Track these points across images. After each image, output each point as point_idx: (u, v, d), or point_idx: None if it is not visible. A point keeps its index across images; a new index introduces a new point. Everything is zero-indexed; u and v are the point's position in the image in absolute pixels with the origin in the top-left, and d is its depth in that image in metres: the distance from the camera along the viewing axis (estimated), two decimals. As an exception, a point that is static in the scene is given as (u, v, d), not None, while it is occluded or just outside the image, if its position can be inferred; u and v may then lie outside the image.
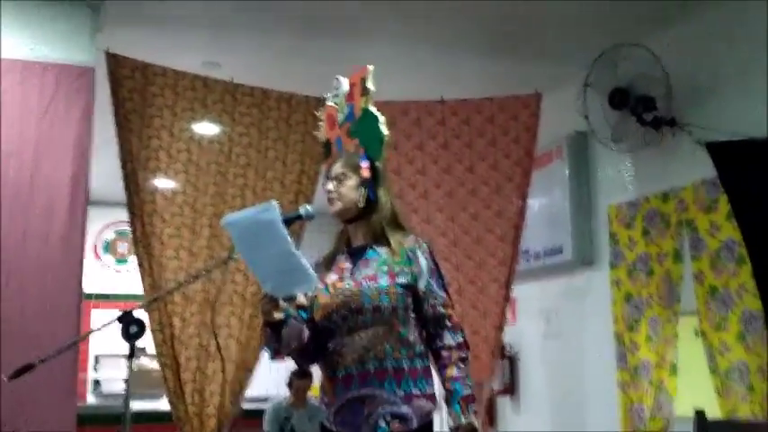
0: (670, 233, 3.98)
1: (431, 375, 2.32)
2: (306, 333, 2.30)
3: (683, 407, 3.85)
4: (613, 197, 4.50)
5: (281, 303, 2.18)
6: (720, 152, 3.53)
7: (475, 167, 4.59)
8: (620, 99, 4.04)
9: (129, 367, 2.03)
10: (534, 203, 4.96)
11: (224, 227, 2.09)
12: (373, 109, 2.42)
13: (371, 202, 2.37)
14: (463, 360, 2.29)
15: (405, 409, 2.22)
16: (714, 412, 3.47)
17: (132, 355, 2.05)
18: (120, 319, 2.03)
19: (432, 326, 2.32)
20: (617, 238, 4.34)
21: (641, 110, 3.99)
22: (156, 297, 2.44)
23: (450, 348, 2.29)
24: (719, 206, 3.68)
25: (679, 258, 3.94)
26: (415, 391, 2.24)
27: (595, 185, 4.79)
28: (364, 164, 2.38)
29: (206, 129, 4.22)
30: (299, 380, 5.07)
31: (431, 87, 4.56)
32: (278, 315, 2.19)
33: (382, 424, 2.20)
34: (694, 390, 3.85)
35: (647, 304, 4.08)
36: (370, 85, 2.42)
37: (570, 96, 4.34)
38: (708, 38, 3.93)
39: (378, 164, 2.41)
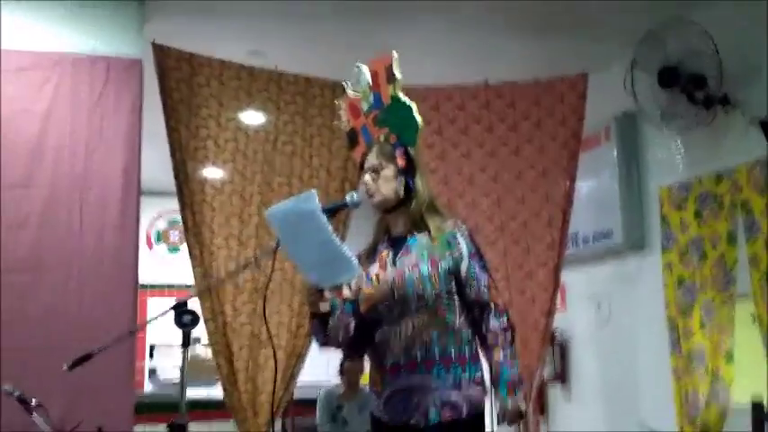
0: (723, 215, 3.88)
1: (479, 360, 2.32)
2: (352, 324, 2.32)
3: (741, 395, 3.77)
4: (664, 179, 4.41)
5: (327, 294, 2.20)
6: (775, 131, 3.44)
7: (521, 151, 4.54)
8: (669, 77, 3.94)
9: (184, 356, 2.07)
10: (582, 186, 4.88)
11: (267, 219, 2.11)
12: (404, 97, 2.41)
13: (409, 191, 2.37)
14: (509, 343, 2.29)
15: (455, 396, 2.22)
16: (772, 397, 3.39)
17: (186, 343, 2.09)
18: (173, 309, 2.07)
19: (476, 309, 2.32)
20: (668, 221, 4.25)
21: (692, 88, 3.89)
22: (207, 288, 2.49)
23: (495, 332, 2.29)
24: (775, 187, 3.58)
25: (733, 241, 3.84)
26: (465, 377, 2.25)
27: (645, 167, 4.69)
28: (399, 152, 2.38)
29: (252, 118, 4.26)
30: (350, 364, 5.07)
31: (475, 70, 4.52)
32: (324, 306, 2.21)
33: (433, 412, 2.21)
34: (751, 377, 3.75)
35: (700, 289, 3.99)
36: (397, 72, 2.40)
37: (617, 76, 4.26)
38: (759, 12, 3.80)
39: (411, 151, 2.41)
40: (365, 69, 2.50)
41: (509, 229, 4.50)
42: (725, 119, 3.92)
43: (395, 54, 2.42)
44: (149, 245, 8.24)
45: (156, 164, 4.53)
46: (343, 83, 2.59)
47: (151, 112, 3.92)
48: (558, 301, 4.75)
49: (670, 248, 4.21)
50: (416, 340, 2.24)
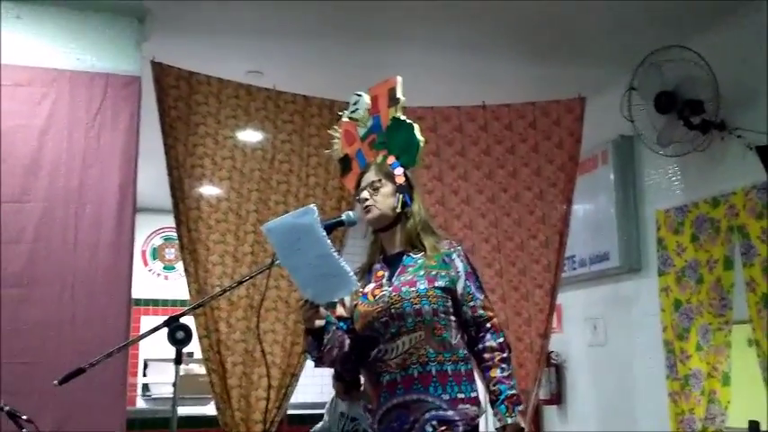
0: (720, 239, 3.88)
1: (474, 379, 2.31)
2: (347, 342, 2.31)
3: (737, 418, 3.75)
4: (660, 202, 4.42)
5: (322, 311, 2.19)
6: (771, 156, 3.45)
7: (518, 173, 4.55)
8: (666, 102, 3.96)
9: (177, 372, 2.06)
10: (579, 209, 4.90)
11: (264, 233, 2.11)
12: (405, 118, 2.43)
13: (405, 209, 2.37)
14: (506, 360, 2.29)
15: (451, 413, 2.21)
16: (768, 423, 3.38)
17: (179, 359, 2.07)
18: (166, 324, 2.05)
19: (472, 328, 2.33)
20: (665, 245, 4.25)
21: (688, 113, 3.91)
22: (200, 303, 2.48)
23: (492, 350, 2.29)
24: (772, 211, 3.59)
25: (730, 265, 3.84)
26: (461, 396, 2.23)
27: (642, 190, 4.70)
28: (398, 171, 2.40)
29: (249, 136, 4.27)
30: (336, 382, 4.93)
31: (472, 93, 4.54)
32: (319, 322, 2.20)
33: (429, 429, 2.20)
34: (748, 401, 3.74)
35: (696, 312, 3.98)
36: (400, 95, 2.41)
37: (615, 100, 4.28)
38: (756, 39, 3.83)
39: (408, 172, 2.43)
40: (365, 96, 2.52)
41: (505, 251, 4.50)
42: (721, 144, 3.93)
43: (399, 78, 2.44)
44: (144, 262, 8.23)
45: (153, 181, 4.53)
46: (339, 112, 2.61)
47: (148, 130, 3.93)
48: (555, 322, 4.74)
49: (667, 272, 4.21)
50: (413, 357, 2.23)
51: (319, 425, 4.86)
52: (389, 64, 2.58)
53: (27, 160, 3.60)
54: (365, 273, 2.42)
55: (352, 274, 2.10)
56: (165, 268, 8.37)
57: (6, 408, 3.08)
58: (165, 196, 4.06)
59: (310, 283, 2.11)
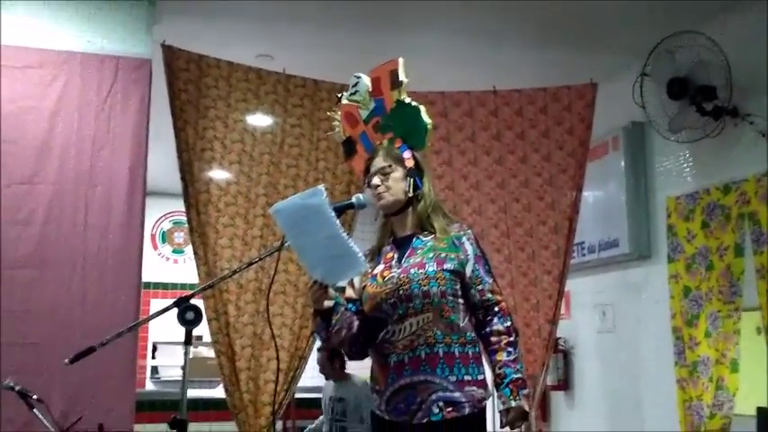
0: (731, 226, 3.86)
1: (482, 362, 2.32)
2: (356, 323, 2.32)
3: (745, 405, 3.75)
4: (671, 189, 4.39)
5: (331, 291, 2.20)
6: (785, 142, 3.42)
7: (528, 158, 4.54)
8: (679, 88, 3.93)
9: (186, 353, 2.06)
10: (589, 195, 4.88)
11: (273, 214, 2.11)
12: (411, 100, 2.41)
13: (416, 192, 2.37)
14: (512, 344, 2.30)
15: (458, 395, 2.22)
16: (776, 410, 3.37)
17: (189, 340, 2.08)
18: (176, 305, 2.06)
19: (480, 311, 2.33)
20: (675, 231, 4.23)
21: (701, 99, 3.88)
22: (210, 284, 2.49)
23: (499, 333, 2.30)
24: (783, 199, 3.57)
25: (740, 252, 3.82)
26: (467, 378, 2.24)
27: (652, 177, 4.67)
28: (407, 154, 2.39)
29: (259, 120, 4.26)
30: (320, 354, 4.77)
31: (483, 78, 4.52)
32: (327, 303, 2.21)
33: (435, 410, 2.21)
34: (756, 387, 3.73)
35: (706, 299, 3.97)
36: (402, 77, 2.40)
37: (626, 86, 4.25)
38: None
39: (417, 154, 2.41)
40: (364, 77, 2.49)
41: (515, 236, 4.49)
42: (733, 130, 3.91)
43: (401, 59, 2.42)
44: (154, 245, 8.26)
45: (162, 165, 4.54)
46: (338, 94, 2.59)
47: (158, 113, 3.93)
48: (563, 308, 4.74)
49: (676, 259, 4.19)
50: (421, 338, 2.24)
51: (313, 424, 4.85)
52: (400, 48, 2.55)
53: (38, 142, 3.61)
54: (375, 255, 2.42)
55: (360, 254, 2.10)
56: (174, 252, 8.40)
57: (17, 387, 3.11)
58: (175, 180, 4.07)
59: (319, 263, 2.11)
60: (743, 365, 3.84)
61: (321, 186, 2.04)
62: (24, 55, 3.66)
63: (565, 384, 5.32)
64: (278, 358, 3.37)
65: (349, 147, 2.61)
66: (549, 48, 4.54)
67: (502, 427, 2.27)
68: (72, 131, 3.66)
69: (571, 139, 4.51)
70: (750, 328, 3.86)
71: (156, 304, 7.64)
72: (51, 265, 3.55)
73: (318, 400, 5.95)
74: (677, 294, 4.17)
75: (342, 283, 2.31)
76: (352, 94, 2.53)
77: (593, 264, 5.03)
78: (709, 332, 3.93)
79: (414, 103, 2.42)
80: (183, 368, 2.08)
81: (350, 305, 2.35)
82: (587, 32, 4.38)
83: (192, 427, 2.21)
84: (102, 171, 3.69)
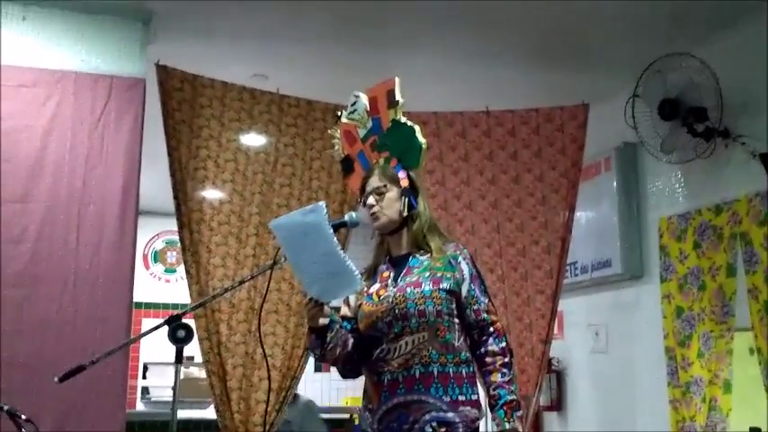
0: (723, 246, 3.88)
1: (476, 382, 2.31)
2: (351, 341, 2.32)
3: (738, 426, 3.74)
4: (663, 210, 4.41)
5: (326, 309, 2.20)
6: (775, 163, 3.45)
7: (520, 178, 4.55)
8: (670, 109, 3.96)
9: (177, 371, 2.05)
10: (582, 216, 4.89)
11: (272, 229, 2.11)
12: (406, 120, 2.43)
13: (411, 211, 2.37)
14: (507, 365, 2.29)
15: (451, 415, 2.21)
16: (769, 431, 3.36)
17: (180, 359, 2.07)
18: (167, 323, 2.05)
19: (476, 331, 2.33)
20: (667, 251, 4.24)
21: (692, 120, 3.91)
22: (201, 303, 2.48)
23: (494, 354, 2.29)
24: (774, 219, 3.59)
25: (732, 272, 3.84)
26: (461, 398, 2.24)
27: (644, 198, 4.69)
28: (401, 174, 2.40)
29: (252, 139, 4.27)
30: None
31: (476, 98, 4.55)
32: (323, 320, 2.21)
33: (429, 430, 2.20)
34: (749, 408, 3.73)
35: (698, 319, 3.98)
36: (399, 96, 2.41)
37: (618, 107, 4.28)
38: (759, 47, 3.84)
39: (412, 173, 2.42)
40: (362, 96, 2.51)
41: (507, 256, 4.50)
42: (724, 151, 3.93)
43: (397, 79, 2.44)
44: (146, 265, 8.23)
45: (155, 184, 4.53)
46: (337, 112, 2.61)
47: (151, 133, 3.93)
48: (556, 329, 4.73)
49: (669, 279, 4.20)
50: (416, 357, 2.24)
51: None
52: (394, 69, 2.58)
53: (30, 161, 3.61)
54: (371, 273, 2.43)
55: (357, 272, 2.11)
56: (166, 271, 8.37)
57: (6, 407, 3.08)
58: (168, 199, 4.07)
59: (315, 281, 2.12)
60: (736, 386, 3.84)
61: (322, 203, 2.05)
62: (18, 74, 3.66)
63: (558, 405, 5.30)
64: (269, 377, 3.35)
65: (347, 165, 2.62)
66: (541, 68, 4.57)
67: None
68: (65, 150, 3.67)
69: (563, 159, 4.53)
70: (743, 348, 3.86)
71: (148, 324, 7.58)
72: (43, 283, 3.53)
73: (310, 420, 5.92)
74: (670, 314, 4.18)
75: (337, 302, 2.31)
76: (350, 112, 2.54)
77: (586, 284, 5.03)
78: (702, 352, 3.94)
79: (409, 123, 2.43)
80: (174, 386, 2.07)
81: (345, 324, 2.35)
82: (579, 53, 4.42)
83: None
84: (94, 190, 3.68)
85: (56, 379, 2.04)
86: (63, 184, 3.64)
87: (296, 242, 2.07)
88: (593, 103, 4.52)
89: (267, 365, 2.66)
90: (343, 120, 2.58)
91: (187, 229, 4.03)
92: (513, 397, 2.25)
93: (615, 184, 4.76)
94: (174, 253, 8.22)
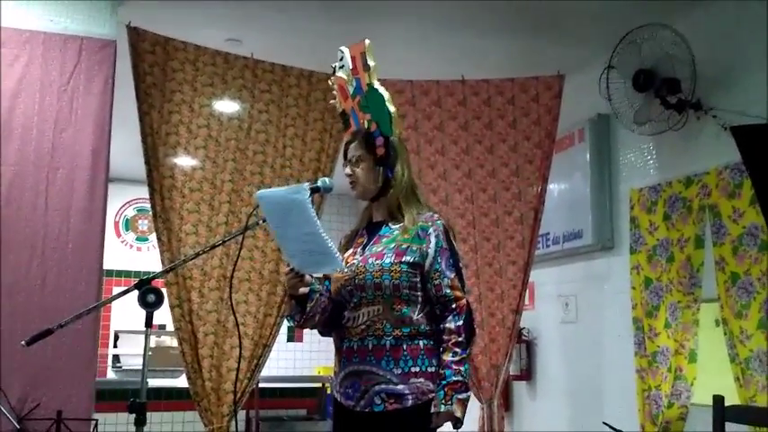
0: (692, 218, 3.92)
1: (436, 354, 2.28)
2: (329, 306, 2.34)
3: (702, 395, 3.81)
4: (635, 181, 4.45)
5: (307, 278, 2.22)
6: (745, 136, 3.45)
7: (495, 149, 4.56)
8: (644, 80, 3.97)
9: (147, 335, 2.04)
10: (554, 187, 4.92)
11: (257, 198, 2.13)
12: (378, 86, 2.40)
13: (389, 180, 2.36)
14: (460, 345, 2.24)
15: (401, 387, 2.22)
16: (733, 401, 3.42)
17: (150, 323, 2.05)
18: (137, 287, 2.03)
19: (437, 306, 2.31)
20: (637, 223, 4.28)
21: (666, 92, 3.93)
22: (171, 267, 2.45)
23: (450, 332, 2.26)
24: (743, 192, 3.62)
25: (700, 244, 3.88)
26: (415, 369, 2.24)
27: (617, 169, 4.72)
28: (378, 142, 2.38)
29: (226, 105, 4.22)
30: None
31: (453, 68, 4.53)
32: (303, 290, 2.23)
33: (378, 401, 2.22)
34: (713, 378, 3.80)
35: (666, 290, 4.03)
36: (370, 61, 2.39)
37: (593, 78, 4.28)
38: (734, 20, 3.86)
39: (393, 139, 2.40)
40: (347, 53, 2.47)
41: (480, 226, 4.52)
42: (696, 123, 3.96)
43: (367, 42, 2.40)
44: (117, 233, 8.15)
45: (127, 150, 4.47)
46: (333, 64, 2.55)
47: (122, 97, 3.86)
48: (527, 299, 4.78)
49: (638, 250, 4.25)
50: (370, 329, 2.26)
51: None
52: (370, 36, 2.53)
53: (-2, 122, 3.54)
54: (352, 237, 2.45)
55: (338, 255, 2.15)
56: (137, 239, 8.29)
57: (-26, 373, 3.06)
58: (139, 167, 4.01)
59: (297, 253, 2.16)
60: (701, 356, 3.91)
61: (306, 184, 2.10)
62: (-15, 33, 3.57)
63: (527, 374, 5.37)
64: (240, 345, 3.34)
65: (345, 119, 2.59)
66: (517, 38, 4.55)
67: (432, 428, 2.23)
68: (33, 112, 3.60)
69: (538, 130, 4.55)
70: (709, 319, 3.92)
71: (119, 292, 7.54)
72: (11, 249, 3.48)
73: (283, 389, 5.96)
74: (638, 285, 4.23)
75: (317, 274, 2.32)
76: (341, 67, 2.50)
77: (558, 255, 5.07)
78: (669, 323, 3.99)
79: (380, 90, 2.40)
80: (144, 351, 2.06)
81: (326, 282, 2.38)
82: (556, 23, 4.40)
83: (154, 416, 2.19)
84: (64, 153, 3.63)
85: (23, 342, 2.01)
86: (31, 147, 3.58)
87: (280, 216, 2.11)
88: (568, 73, 4.52)
89: (239, 333, 2.65)
90: (338, 74, 2.54)
91: (158, 195, 3.99)
92: (459, 378, 2.21)
93: (588, 155, 4.78)
94: (146, 221, 8.14)
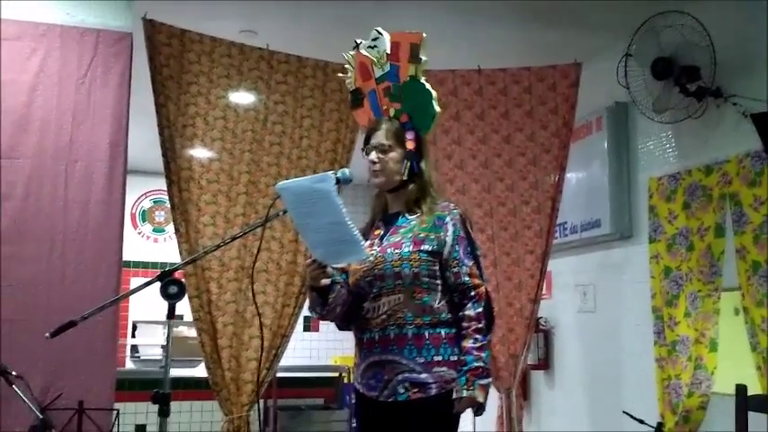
0: (712, 207, 3.89)
1: (458, 342, 2.30)
2: (349, 298, 2.34)
3: (723, 384, 3.79)
4: (654, 170, 4.41)
5: (329, 270, 2.21)
6: (766, 123, 3.44)
7: (512, 138, 4.54)
8: (663, 68, 3.93)
9: (169, 327, 2.05)
10: (572, 176, 4.89)
11: (278, 191, 2.11)
12: (426, 83, 2.39)
13: (413, 174, 2.36)
14: (480, 331, 2.26)
15: (424, 376, 2.23)
16: (754, 390, 3.40)
17: (172, 315, 2.06)
18: (159, 279, 2.04)
19: (456, 294, 2.32)
20: (656, 212, 4.25)
21: (685, 80, 3.89)
22: (193, 258, 2.46)
23: (469, 319, 2.28)
24: (764, 180, 3.58)
25: (721, 233, 3.85)
26: (437, 358, 2.25)
27: (635, 158, 4.69)
28: (410, 135, 2.37)
29: (242, 96, 4.22)
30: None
31: (468, 57, 4.50)
32: (324, 281, 2.23)
33: (401, 390, 2.23)
34: (734, 367, 3.78)
35: (686, 279, 4.00)
36: (423, 55, 2.37)
37: (611, 66, 4.25)
38: (754, 6, 3.81)
39: (422, 134, 2.40)
40: (386, 37, 2.44)
41: (498, 216, 4.50)
42: (716, 111, 3.92)
43: (424, 35, 2.38)
44: (134, 224, 8.20)
45: (143, 143, 4.49)
46: (356, 40, 2.52)
47: (139, 91, 3.86)
48: (544, 288, 4.76)
49: (657, 239, 4.22)
50: (391, 319, 2.26)
51: None
52: (385, 26, 2.52)
53: (16, 116, 3.55)
54: (368, 228, 2.45)
55: (363, 244, 2.13)
56: (154, 231, 8.34)
57: (-4, 364, 3.08)
58: (155, 158, 4.02)
59: (320, 244, 2.15)
60: (721, 345, 3.89)
61: (330, 173, 2.08)
62: (2, 27, 3.58)
63: (545, 363, 5.36)
64: (262, 336, 3.35)
65: (356, 98, 2.55)
66: (534, 26, 4.52)
67: (453, 411, 2.25)
68: (51, 106, 3.61)
69: (555, 118, 4.51)
70: (728, 308, 3.89)
71: (137, 283, 7.54)
72: (31, 241, 3.50)
73: (300, 379, 5.99)
74: (658, 275, 4.20)
75: (339, 265, 2.31)
76: (371, 47, 2.46)
77: (575, 244, 5.05)
78: (689, 312, 3.97)
79: (428, 87, 2.39)
80: (167, 342, 2.07)
81: (342, 275, 2.37)
82: (573, 12, 4.37)
83: (173, 406, 2.21)
84: (82, 146, 3.63)
85: (47, 335, 2.03)
86: (50, 140, 3.59)
87: (303, 206, 2.10)
88: (585, 61, 4.48)
89: (260, 324, 2.66)
90: (362, 51, 2.50)
91: (176, 186, 4.00)
92: (480, 364, 2.23)
93: (606, 144, 4.75)
94: (163, 212, 8.18)
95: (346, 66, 2.58)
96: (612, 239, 4.76)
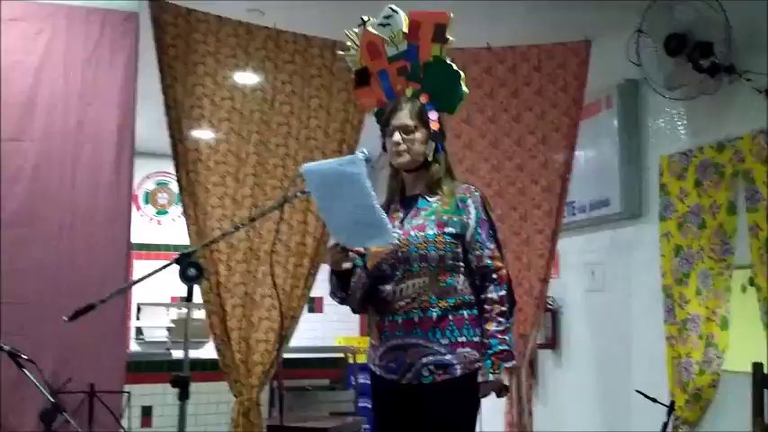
0: (724, 184, 3.86)
1: (479, 324, 2.30)
2: (367, 282, 2.32)
3: (734, 362, 3.79)
4: (665, 148, 4.38)
5: (351, 254, 2.19)
6: (781, 100, 3.40)
7: (521, 117, 4.50)
8: (676, 45, 3.88)
9: (189, 309, 2.03)
10: (582, 155, 4.85)
11: (303, 174, 2.08)
12: (453, 63, 2.35)
13: (435, 155, 2.35)
14: (503, 314, 2.27)
15: (449, 357, 2.23)
16: (766, 368, 3.40)
17: (190, 297, 2.05)
18: (177, 262, 2.02)
19: (478, 277, 2.32)
20: (668, 190, 4.23)
21: (698, 56, 3.84)
22: (213, 240, 2.44)
23: (492, 302, 2.28)
24: (778, 156, 3.56)
25: (733, 210, 3.83)
26: (461, 339, 2.25)
27: (646, 136, 4.65)
28: (433, 116, 2.35)
29: (249, 76, 4.18)
30: None
31: (478, 35, 4.44)
32: (346, 265, 2.21)
33: (426, 373, 2.22)
34: (746, 345, 3.77)
35: (697, 257, 3.99)
36: (449, 35, 2.34)
37: (620, 43, 4.19)
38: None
39: (442, 116, 2.39)
40: (402, 15, 2.40)
41: (507, 195, 4.48)
42: (729, 88, 3.88)
43: (451, 15, 2.34)
44: (137, 206, 8.15)
45: (147, 125, 4.43)
46: (363, 17, 2.47)
47: (144, 72, 3.82)
48: (552, 267, 4.74)
49: (668, 217, 4.19)
50: (416, 302, 2.24)
51: None
52: (393, 2, 2.47)
53: (23, 98, 3.53)
54: (386, 211, 2.40)
55: (390, 226, 2.12)
56: (157, 213, 8.30)
57: (7, 348, 3.07)
58: (159, 140, 4.00)
59: (345, 227, 2.13)
60: (732, 323, 3.88)
61: (361, 155, 2.03)
62: (8, 7, 3.54)
63: (553, 343, 5.36)
64: (281, 316, 3.34)
65: (362, 77, 2.50)
66: (543, 2, 4.46)
67: (479, 397, 2.26)
68: (58, 87, 3.58)
69: (565, 97, 4.48)
70: (736, 285, 3.87)
71: (140, 265, 7.54)
72: (40, 224, 3.49)
73: (308, 359, 5.99)
74: (668, 253, 4.19)
75: (363, 249, 2.28)
76: (382, 25, 2.40)
77: (584, 223, 5.02)
78: (700, 290, 3.95)
79: (455, 67, 2.36)
80: (186, 325, 2.06)
81: (358, 260, 2.34)
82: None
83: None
84: (89, 127, 3.62)
85: (65, 318, 2.01)
86: (57, 121, 3.57)
87: (328, 190, 2.07)
88: (594, 39, 4.43)
89: (279, 304, 2.66)
90: (370, 29, 2.44)
91: (184, 168, 3.96)
92: (505, 347, 2.24)
93: (616, 122, 4.70)
94: (166, 195, 8.14)
95: (348, 43, 2.52)
96: (622, 218, 4.73)
